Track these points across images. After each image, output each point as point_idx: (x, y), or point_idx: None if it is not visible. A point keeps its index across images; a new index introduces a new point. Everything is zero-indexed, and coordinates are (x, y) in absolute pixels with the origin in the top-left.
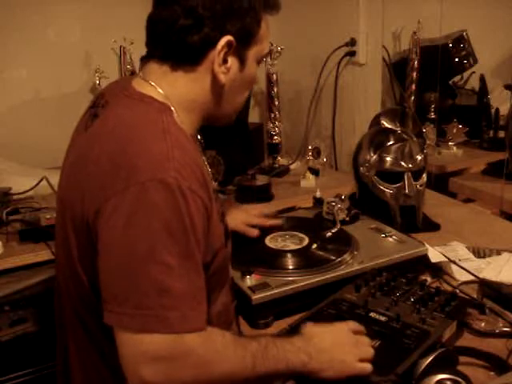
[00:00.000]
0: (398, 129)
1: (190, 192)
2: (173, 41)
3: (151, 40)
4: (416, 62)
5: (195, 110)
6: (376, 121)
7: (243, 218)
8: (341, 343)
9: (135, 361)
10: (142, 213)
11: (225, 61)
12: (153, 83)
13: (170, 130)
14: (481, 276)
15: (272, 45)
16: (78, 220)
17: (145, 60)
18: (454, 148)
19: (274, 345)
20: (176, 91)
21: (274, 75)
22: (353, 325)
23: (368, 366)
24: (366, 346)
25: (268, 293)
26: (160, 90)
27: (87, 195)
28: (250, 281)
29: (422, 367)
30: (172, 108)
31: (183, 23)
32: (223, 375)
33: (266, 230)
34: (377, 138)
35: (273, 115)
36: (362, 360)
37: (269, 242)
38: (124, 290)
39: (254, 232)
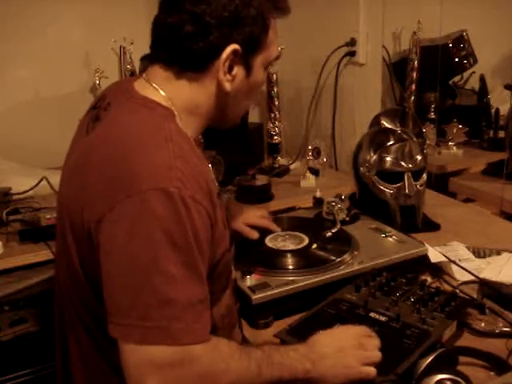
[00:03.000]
0: (398, 129)
1: (193, 202)
2: (178, 47)
3: (156, 44)
4: (416, 62)
5: (199, 115)
6: (376, 121)
7: (245, 218)
8: (344, 348)
9: (140, 372)
10: (143, 223)
11: (230, 69)
12: (156, 86)
13: (173, 137)
14: (481, 276)
15: None
16: (79, 228)
17: (146, 60)
18: (454, 148)
19: (278, 352)
20: (180, 96)
21: (274, 75)
22: (361, 329)
23: (372, 371)
24: (372, 350)
25: (268, 293)
26: (163, 93)
27: (88, 203)
28: (250, 281)
29: (422, 367)
30: (175, 113)
31: (189, 30)
32: None
33: (266, 231)
34: (377, 137)
35: (273, 115)
36: (366, 364)
37: (269, 242)
38: (127, 301)
39: (255, 235)
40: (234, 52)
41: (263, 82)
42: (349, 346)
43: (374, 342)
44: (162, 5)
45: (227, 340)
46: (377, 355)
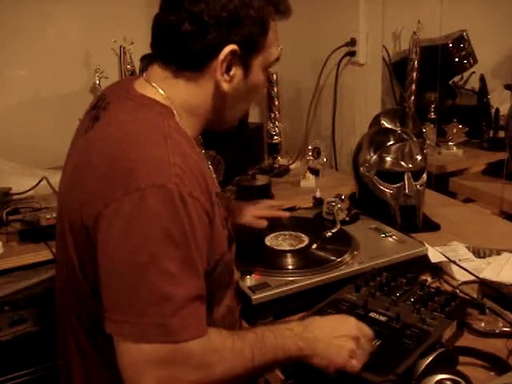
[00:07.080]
0: (398, 129)
1: (191, 198)
2: (176, 46)
3: (155, 42)
4: (416, 62)
5: (197, 115)
6: (376, 121)
7: (252, 211)
8: (341, 334)
9: (137, 369)
10: (141, 220)
11: (228, 69)
12: (155, 85)
13: (172, 134)
14: (481, 276)
15: None
16: (77, 226)
17: (146, 60)
18: (454, 148)
19: (271, 332)
20: (178, 95)
21: (274, 75)
22: (364, 326)
23: (356, 366)
24: (364, 349)
25: (268, 293)
26: (162, 92)
27: (86, 202)
28: (250, 281)
29: (422, 367)
30: (174, 111)
31: (187, 29)
32: (225, 373)
33: (266, 229)
34: (377, 137)
35: (273, 115)
36: (354, 357)
37: (269, 241)
38: (125, 298)
39: (264, 223)
40: (232, 52)
41: (263, 84)
42: (345, 333)
43: (368, 345)
44: (163, 3)
45: (217, 329)
46: (366, 356)
